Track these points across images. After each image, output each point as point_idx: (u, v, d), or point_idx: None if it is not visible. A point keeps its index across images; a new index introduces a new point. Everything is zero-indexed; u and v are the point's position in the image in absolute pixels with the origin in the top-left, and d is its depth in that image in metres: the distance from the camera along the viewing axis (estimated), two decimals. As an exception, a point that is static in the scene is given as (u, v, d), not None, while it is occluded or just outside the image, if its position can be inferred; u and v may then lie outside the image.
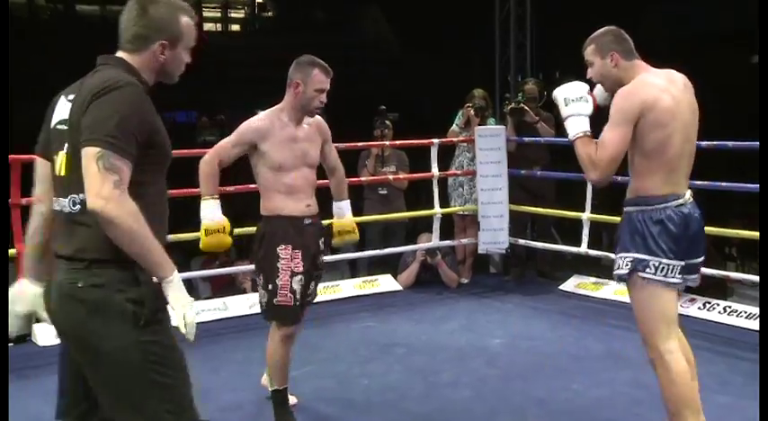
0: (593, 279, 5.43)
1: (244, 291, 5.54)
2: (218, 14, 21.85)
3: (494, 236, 5.56)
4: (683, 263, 2.61)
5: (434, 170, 5.51)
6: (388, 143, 5.65)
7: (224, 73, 16.11)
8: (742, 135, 4.82)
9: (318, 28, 18.78)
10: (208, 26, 21.25)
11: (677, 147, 2.57)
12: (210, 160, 3.10)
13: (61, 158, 1.91)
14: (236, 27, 22.18)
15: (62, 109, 1.94)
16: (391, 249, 5.60)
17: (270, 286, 3.08)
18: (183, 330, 1.86)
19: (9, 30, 3.76)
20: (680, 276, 2.61)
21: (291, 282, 3.06)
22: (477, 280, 5.86)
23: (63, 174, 1.91)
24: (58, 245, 1.93)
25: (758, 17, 2.15)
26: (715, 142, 4.52)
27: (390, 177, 5.64)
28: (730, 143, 4.60)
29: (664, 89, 2.57)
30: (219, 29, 21.70)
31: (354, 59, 16.83)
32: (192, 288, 6.77)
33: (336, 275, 6.92)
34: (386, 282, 5.55)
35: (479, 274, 5.99)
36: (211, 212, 3.03)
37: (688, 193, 2.66)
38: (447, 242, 5.71)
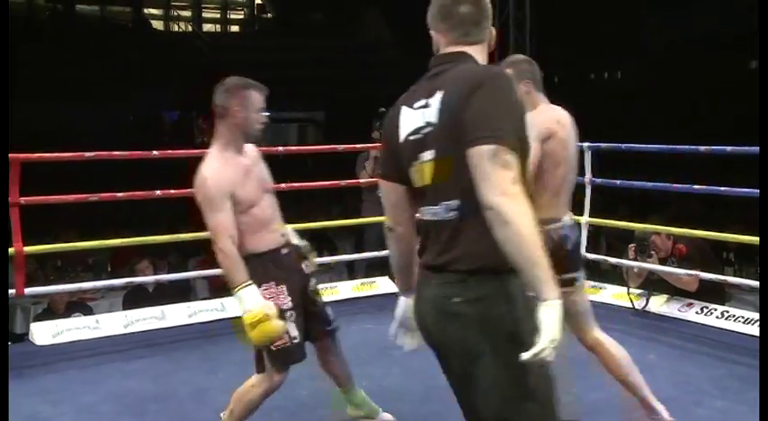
0: (590, 283, 5.42)
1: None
2: (218, 15, 21.88)
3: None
4: None
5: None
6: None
7: (222, 74, 16.13)
8: (740, 139, 4.82)
9: (317, 30, 18.80)
10: (207, 27, 21.27)
11: (562, 175, 2.82)
12: (227, 245, 2.71)
13: (424, 167, 1.78)
14: (235, 28, 22.20)
15: (411, 119, 1.81)
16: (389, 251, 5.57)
17: None
18: (531, 354, 1.60)
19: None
20: None
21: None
22: (474, 282, 5.85)
23: (428, 182, 1.78)
24: (427, 256, 1.82)
25: (758, 18, 2.24)
26: (712, 147, 4.52)
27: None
28: (728, 148, 4.59)
29: (563, 122, 2.86)
30: (219, 30, 21.71)
31: (353, 62, 16.86)
32: (189, 288, 6.78)
33: (334, 277, 6.92)
34: (384, 284, 5.54)
35: (477, 277, 5.98)
36: (252, 301, 2.68)
37: (567, 216, 2.88)
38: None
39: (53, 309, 5.79)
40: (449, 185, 1.73)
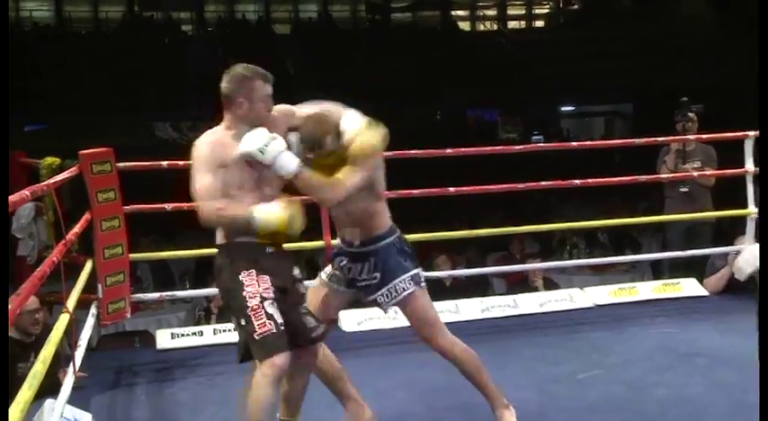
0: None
1: (536, 289, 5.52)
2: (523, 11, 21.97)
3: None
4: None
5: (749, 166, 4.99)
6: (692, 137, 5.24)
7: (528, 70, 16.14)
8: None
9: (626, 18, 18.01)
10: (512, 24, 21.48)
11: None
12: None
13: None
14: (540, 23, 22.12)
15: None
16: (695, 251, 5.18)
17: (243, 321, 2.65)
18: None
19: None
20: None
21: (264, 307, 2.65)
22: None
23: None
24: None
25: (758, 17, 2.05)
26: None
27: (695, 174, 5.24)
28: None
29: None
30: (523, 26, 21.80)
31: (665, 49, 15.88)
32: (487, 284, 6.89)
33: (636, 277, 6.60)
34: (690, 287, 5.15)
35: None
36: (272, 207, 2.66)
37: None
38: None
39: (358, 299, 6.22)
40: None
